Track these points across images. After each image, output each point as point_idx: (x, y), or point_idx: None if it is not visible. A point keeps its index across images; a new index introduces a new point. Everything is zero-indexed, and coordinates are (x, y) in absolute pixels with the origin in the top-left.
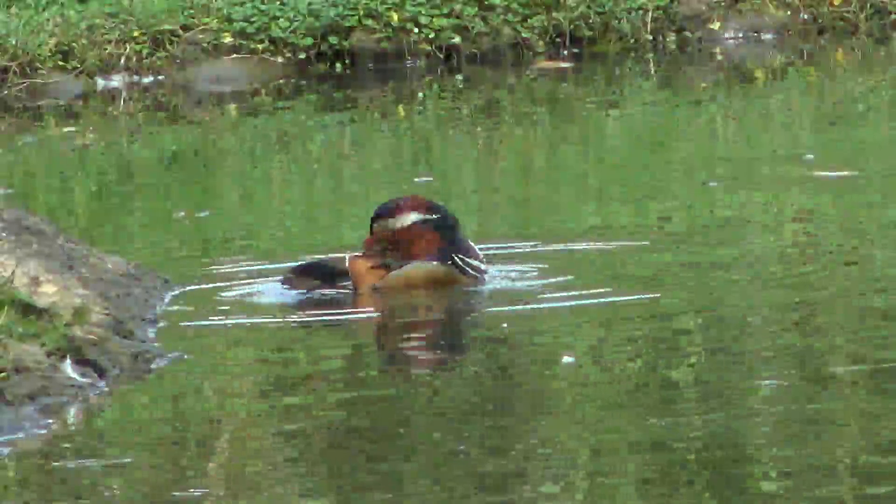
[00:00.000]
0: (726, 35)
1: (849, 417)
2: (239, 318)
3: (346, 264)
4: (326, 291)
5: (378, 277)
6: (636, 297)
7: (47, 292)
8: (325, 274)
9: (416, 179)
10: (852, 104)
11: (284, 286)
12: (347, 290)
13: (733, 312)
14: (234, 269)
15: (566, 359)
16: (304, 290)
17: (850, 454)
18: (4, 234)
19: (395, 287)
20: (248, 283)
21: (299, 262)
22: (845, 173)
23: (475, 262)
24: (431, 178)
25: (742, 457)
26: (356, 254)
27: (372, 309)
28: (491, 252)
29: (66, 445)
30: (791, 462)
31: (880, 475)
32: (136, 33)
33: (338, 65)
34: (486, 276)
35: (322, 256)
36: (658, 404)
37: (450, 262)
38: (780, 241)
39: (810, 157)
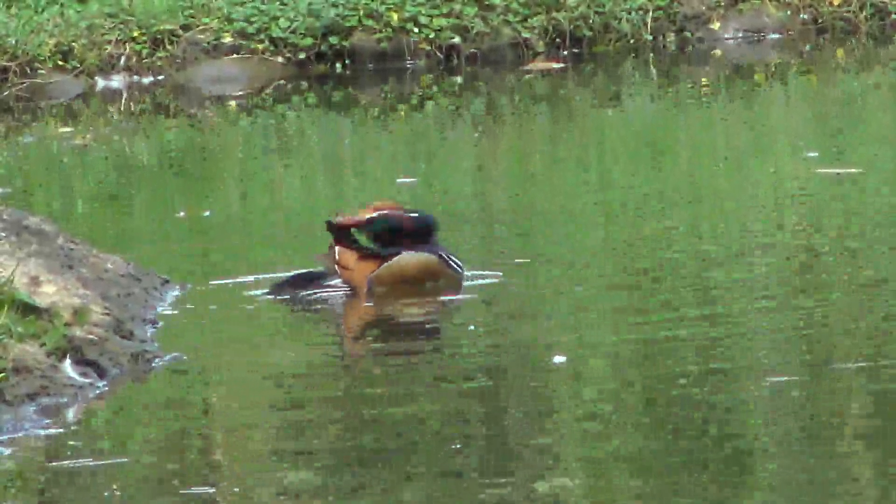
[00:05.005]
0: (726, 35)
1: (850, 415)
2: (238, 317)
3: (336, 258)
4: (321, 292)
5: (370, 269)
6: (633, 296)
7: (47, 292)
8: (304, 280)
9: (398, 180)
10: (853, 103)
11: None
12: (339, 288)
13: (733, 310)
14: (234, 269)
15: (557, 358)
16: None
17: (852, 454)
18: (4, 234)
19: (389, 278)
20: (248, 283)
21: (284, 277)
22: (849, 170)
23: (456, 259)
24: (415, 180)
25: (741, 456)
26: (342, 247)
27: (366, 309)
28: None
29: (66, 445)
30: (791, 462)
31: (883, 475)
32: (136, 33)
33: (338, 65)
34: (465, 274)
35: (304, 270)
36: (655, 404)
37: (439, 256)
38: (782, 238)
39: (813, 154)
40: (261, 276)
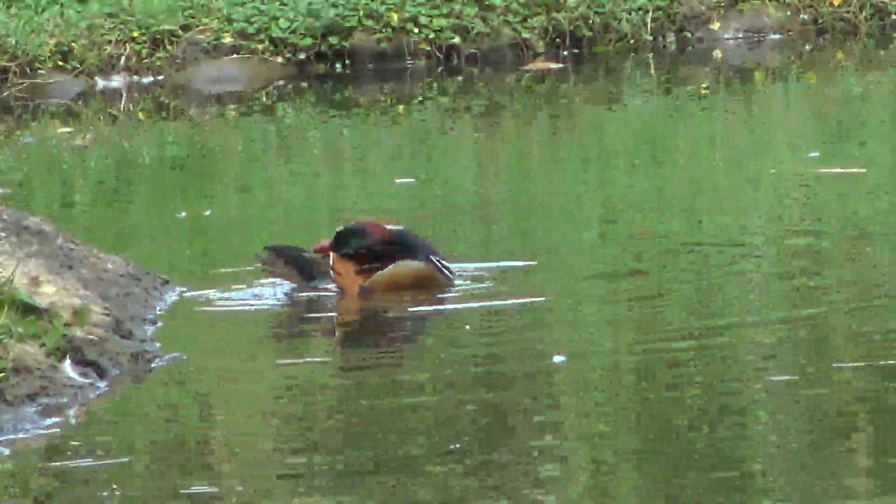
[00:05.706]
0: (726, 35)
1: (850, 414)
2: (238, 318)
3: (331, 262)
4: (316, 294)
5: (364, 277)
6: (632, 294)
7: (47, 292)
8: (303, 265)
9: (397, 180)
10: (853, 103)
11: (260, 264)
12: (333, 291)
13: (733, 309)
14: (234, 269)
15: (557, 358)
16: (279, 276)
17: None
18: (4, 234)
19: (382, 285)
20: (248, 284)
21: (280, 245)
22: (850, 170)
23: (448, 265)
24: (413, 180)
25: (741, 455)
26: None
27: (362, 312)
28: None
29: (66, 445)
30: (792, 462)
31: (885, 476)
32: (135, 33)
33: (338, 65)
34: (455, 279)
35: (301, 250)
36: (655, 403)
37: (430, 263)
38: (782, 238)
39: (814, 154)
40: (260, 275)
